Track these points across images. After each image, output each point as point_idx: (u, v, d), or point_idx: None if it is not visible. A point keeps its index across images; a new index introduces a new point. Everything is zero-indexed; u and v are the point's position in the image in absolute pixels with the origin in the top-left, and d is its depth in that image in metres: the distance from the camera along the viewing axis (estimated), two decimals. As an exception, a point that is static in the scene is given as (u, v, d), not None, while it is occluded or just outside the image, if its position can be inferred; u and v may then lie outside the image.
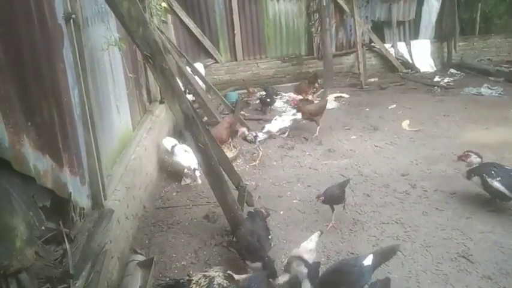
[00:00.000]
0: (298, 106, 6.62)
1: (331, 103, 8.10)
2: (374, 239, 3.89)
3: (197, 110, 6.89)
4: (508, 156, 5.42)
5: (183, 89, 6.67)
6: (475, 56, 10.61)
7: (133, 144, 4.75)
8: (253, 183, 5.08)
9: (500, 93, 8.12)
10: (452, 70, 9.91)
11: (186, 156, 5.03)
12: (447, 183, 4.76)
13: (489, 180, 4.02)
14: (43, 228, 2.38)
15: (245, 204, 4.20)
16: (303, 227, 4.13)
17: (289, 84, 9.51)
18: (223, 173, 3.89)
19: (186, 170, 5.17)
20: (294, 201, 4.65)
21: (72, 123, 2.86)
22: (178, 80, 6.48)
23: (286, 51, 9.85)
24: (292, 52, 9.88)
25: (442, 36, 10.37)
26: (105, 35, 3.82)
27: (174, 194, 4.90)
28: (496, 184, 4.00)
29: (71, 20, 2.98)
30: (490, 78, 9.12)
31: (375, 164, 5.47)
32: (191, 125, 3.52)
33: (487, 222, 4.00)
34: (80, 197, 2.93)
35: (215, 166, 3.68)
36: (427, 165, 5.33)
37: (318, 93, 8.80)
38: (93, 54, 3.71)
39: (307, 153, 5.96)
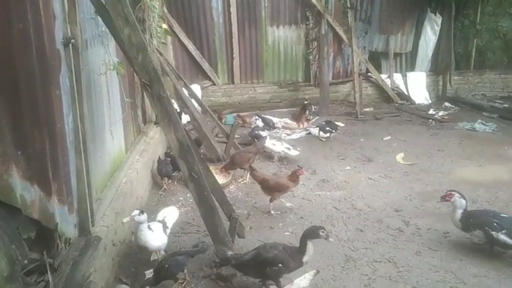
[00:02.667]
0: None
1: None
2: (366, 278, 3.81)
3: (192, 132, 6.91)
4: (502, 195, 5.40)
5: (178, 110, 6.74)
6: (469, 91, 10.74)
7: (125, 167, 4.68)
8: (245, 212, 4.99)
9: (494, 130, 8.17)
10: (446, 103, 10.01)
11: (153, 236, 3.70)
12: (440, 222, 4.71)
13: (494, 234, 3.95)
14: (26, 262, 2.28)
15: (236, 236, 4.11)
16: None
17: (285, 110, 9.55)
18: (215, 203, 3.83)
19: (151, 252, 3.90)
20: (286, 233, 4.57)
21: (63, 150, 2.79)
22: (174, 103, 6.51)
23: (284, 77, 9.90)
24: (290, 78, 9.93)
25: (437, 69, 10.52)
26: (103, 59, 3.79)
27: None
28: (503, 237, 3.92)
29: (70, 45, 2.94)
30: (484, 113, 9.21)
31: (368, 198, 5.42)
32: (186, 154, 3.47)
33: (480, 265, 3.95)
34: (67, 226, 2.84)
35: (208, 196, 3.61)
36: (420, 202, 5.29)
37: (313, 120, 8.82)
38: (91, 78, 3.67)
39: (300, 182, 5.87)
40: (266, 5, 9.29)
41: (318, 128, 7.70)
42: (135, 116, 5.76)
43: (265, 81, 9.79)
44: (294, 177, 5.00)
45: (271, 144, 6.59)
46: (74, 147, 2.99)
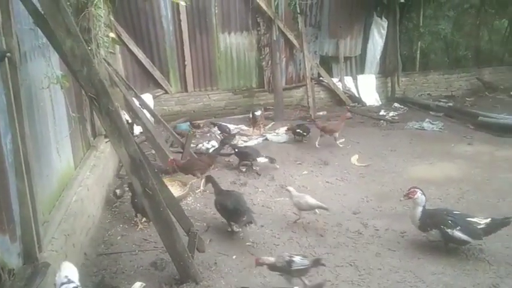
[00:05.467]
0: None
1: (282, 136, 8.13)
2: (329, 284, 3.79)
3: (145, 143, 6.70)
4: (453, 192, 5.62)
5: (130, 121, 6.51)
6: (416, 91, 11.20)
7: (74, 185, 4.42)
8: (204, 224, 4.87)
9: (441, 128, 8.54)
10: (396, 104, 10.37)
11: None
12: (397, 222, 4.80)
13: (450, 231, 4.07)
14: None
15: (196, 250, 3.98)
16: (256, 273, 3.96)
17: (241, 116, 9.50)
18: (173, 218, 3.69)
19: None
20: (247, 243, 4.49)
21: (2, 174, 2.57)
22: (125, 114, 6.29)
23: (238, 83, 9.86)
24: (244, 84, 9.91)
25: (386, 71, 10.88)
26: (45, 72, 3.56)
27: (119, 237, 4.57)
28: (458, 234, 4.04)
29: (6, 59, 2.72)
30: (431, 113, 9.61)
31: (326, 201, 5.41)
32: (138, 169, 3.31)
33: (438, 263, 4.05)
34: (9, 257, 2.61)
35: (164, 212, 3.46)
36: (377, 203, 5.39)
37: (269, 126, 8.83)
38: (32, 93, 3.43)
39: (259, 189, 5.86)
40: (216, 12, 9.22)
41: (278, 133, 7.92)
42: (83, 130, 5.49)
43: (220, 88, 9.70)
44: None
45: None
46: (14, 170, 2.76)
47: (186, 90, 9.40)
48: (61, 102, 4.32)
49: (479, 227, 4.08)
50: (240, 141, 7.87)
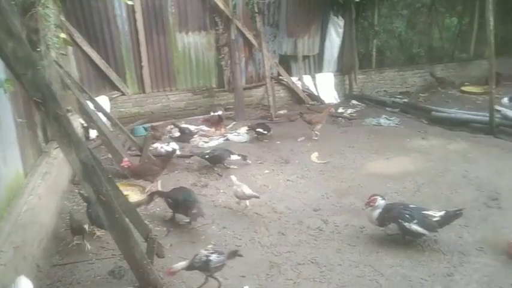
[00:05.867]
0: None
1: (243, 136, 8.11)
2: (291, 282, 3.82)
3: (102, 147, 6.50)
4: (409, 185, 5.79)
5: (85, 125, 6.29)
6: (373, 88, 11.46)
7: (25, 194, 4.21)
8: (164, 229, 4.77)
9: (397, 124, 8.79)
10: (354, 101, 10.57)
11: None
12: (356, 217, 4.90)
13: (407, 225, 4.18)
14: None
15: (155, 256, 3.89)
16: (219, 275, 3.91)
17: (201, 117, 9.37)
18: (130, 224, 3.58)
19: None
20: (209, 246, 4.43)
21: None
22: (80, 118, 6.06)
23: (197, 83, 9.73)
24: (203, 84, 9.78)
25: (343, 69, 11.07)
26: (-14, 76, 3.36)
27: (74, 247, 4.39)
28: (415, 227, 4.17)
29: None
30: (387, 109, 9.87)
31: (288, 200, 5.49)
32: (91, 176, 3.18)
33: (395, 256, 4.16)
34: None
35: (119, 219, 3.35)
36: (337, 199, 5.48)
37: (230, 125, 8.79)
38: (-29, 98, 3.23)
39: (221, 190, 5.81)
40: (173, 11, 9.04)
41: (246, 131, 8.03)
42: (34, 135, 5.24)
43: (179, 88, 9.54)
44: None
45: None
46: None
47: (144, 92, 9.18)
48: (7, 107, 4.10)
49: (434, 219, 4.23)
50: (200, 142, 7.79)
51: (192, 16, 9.28)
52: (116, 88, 8.89)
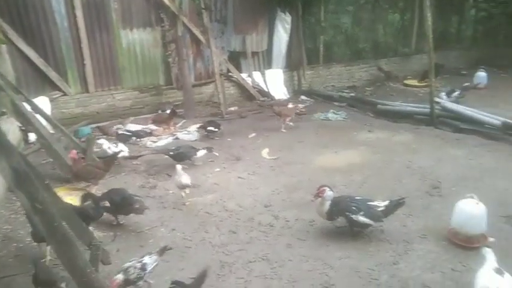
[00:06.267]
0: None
1: (193, 134, 7.98)
2: (242, 281, 3.80)
3: (42, 150, 6.14)
4: (356, 178, 5.94)
5: (23, 128, 5.91)
6: (321, 83, 11.68)
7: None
8: (111, 234, 4.59)
9: (344, 118, 9.01)
10: (303, 97, 10.72)
11: None
12: (306, 211, 4.94)
13: (354, 217, 4.27)
14: None
15: (100, 263, 3.72)
16: (168, 279, 3.81)
17: (149, 115, 9.13)
18: (70, 232, 3.40)
19: None
20: (158, 249, 4.31)
21: None
22: (15, 121, 5.69)
23: (144, 81, 9.45)
24: (150, 82, 9.51)
25: (292, 65, 11.18)
26: None
27: (11, 259, 4.12)
28: (362, 219, 4.26)
29: None
30: (335, 103, 10.09)
31: (239, 197, 5.46)
32: (24, 183, 2.96)
33: (344, 248, 4.25)
34: None
35: (59, 227, 3.15)
36: (287, 194, 5.52)
37: (179, 124, 8.63)
38: None
39: (170, 191, 5.67)
40: (116, 7, 8.70)
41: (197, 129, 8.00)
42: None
43: (124, 87, 9.22)
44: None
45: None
46: None
47: (87, 91, 8.78)
48: None
49: (379, 209, 4.35)
50: (148, 142, 7.58)
51: (136, 12, 8.99)
52: (57, 88, 8.44)
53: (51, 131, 6.44)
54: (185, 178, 5.21)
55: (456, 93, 9.53)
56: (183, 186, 5.24)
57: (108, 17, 8.68)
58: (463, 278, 3.74)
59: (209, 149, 6.42)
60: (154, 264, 3.54)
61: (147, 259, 3.50)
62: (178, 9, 9.09)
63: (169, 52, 9.44)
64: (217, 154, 6.57)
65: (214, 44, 9.53)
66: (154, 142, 7.59)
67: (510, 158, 6.44)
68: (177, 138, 7.75)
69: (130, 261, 3.50)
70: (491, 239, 4.22)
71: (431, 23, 7.93)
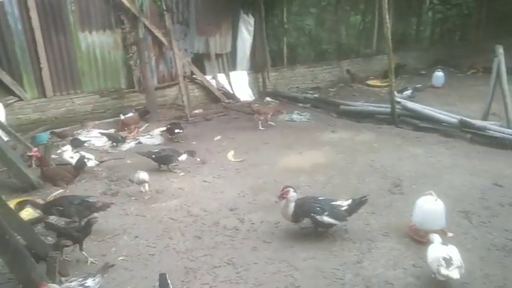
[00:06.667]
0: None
1: (157, 138, 7.85)
2: (207, 286, 3.74)
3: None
4: (320, 178, 6.00)
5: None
6: (285, 85, 11.74)
7: None
8: (70, 243, 4.41)
9: (308, 119, 9.09)
10: (268, 98, 10.74)
11: None
12: (272, 213, 4.94)
13: (319, 217, 4.29)
14: None
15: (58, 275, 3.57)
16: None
17: (111, 120, 8.92)
18: (23, 245, 3.25)
19: None
20: (120, 258, 4.20)
21: None
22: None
23: (105, 85, 9.20)
24: (112, 86, 9.27)
25: (256, 67, 11.19)
26: None
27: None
28: (327, 219, 4.28)
29: None
30: (299, 104, 10.17)
31: (204, 201, 5.40)
32: (-29, 195, 2.82)
33: (309, 248, 4.26)
34: None
35: (10, 240, 3.02)
36: (252, 196, 5.50)
37: (142, 128, 8.46)
38: None
39: (133, 198, 5.54)
40: (73, 8, 8.43)
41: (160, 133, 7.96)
42: None
43: (84, 91, 8.94)
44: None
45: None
46: None
47: (45, 96, 8.46)
48: None
49: (342, 209, 4.40)
50: (110, 147, 7.38)
51: (95, 14, 8.76)
52: (12, 93, 8.09)
53: (6, 138, 6.16)
54: (142, 174, 5.39)
55: (407, 92, 9.83)
56: (140, 182, 5.38)
57: (65, 19, 8.41)
58: (424, 273, 3.83)
59: (190, 153, 6.32)
60: (98, 285, 3.37)
61: (90, 282, 3.29)
62: (139, 11, 8.92)
63: (131, 55, 9.24)
64: (198, 159, 6.44)
65: (177, 46, 9.43)
66: (116, 147, 7.39)
67: (466, 154, 6.68)
68: (139, 143, 7.59)
69: (70, 283, 3.30)
70: (450, 234, 4.35)
71: (390, 25, 8.13)
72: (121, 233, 4.67)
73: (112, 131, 8.06)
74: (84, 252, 4.13)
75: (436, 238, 3.77)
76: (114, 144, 7.36)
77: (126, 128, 8.11)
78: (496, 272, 3.83)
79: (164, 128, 7.93)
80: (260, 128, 8.30)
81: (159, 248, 4.36)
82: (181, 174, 6.31)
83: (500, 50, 7.48)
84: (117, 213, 5.13)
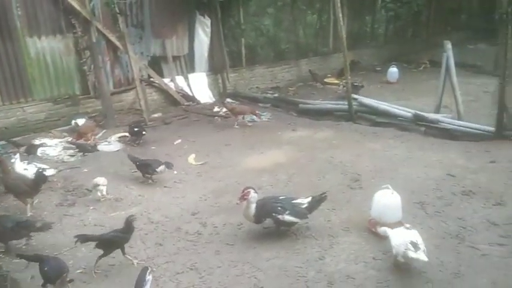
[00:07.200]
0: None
1: (115, 144, 7.65)
2: (170, 294, 3.68)
3: None
4: (282, 177, 6.04)
5: None
6: (245, 85, 11.73)
7: None
8: (24, 260, 4.22)
9: (269, 118, 9.14)
10: (228, 99, 10.69)
11: None
12: (234, 215, 4.91)
13: (280, 217, 4.30)
14: None
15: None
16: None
17: (66, 127, 8.59)
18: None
19: None
20: (78, 271, 4.06)
21: None
22: None
23: (58, 91, 8.84)
24: (65, 92, 8.92)
25: (215, 68, 11.11)
26: None
27: None
28: (288, 218, 4.32)
29: None
30: (260, 104, 10.20)
31: (165, 207, 5.31)
32: None
33: (272, 248, 4.28)
34: None
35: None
36: (214, 199, 5.47)
37: (100, 134, 8.22)
38: None
39: (91, 207, 5.36)
40: (20, 13, 8.06)
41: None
42: None
43: (36, 98, 8.55)
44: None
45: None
46: None
47: (-7, 105, 8.06)
48: None
49: (303, 206, 4.45)
50: (66, 156, 7.12)
51: (43, 19, 8.39)
52: (-44, 103, 7.65)
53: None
54: (99, 178, 5.46)
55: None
56: (94, 186, 5.43)
57: (11, 24, 8.01)
58: (384, 265, 3.94)
59: (168, 165, 5.98)
60: None
61: None
62: (90, 14, 8.62)
63: (84, 60, 8.93)
64: (175, 172, 6.20)
65: (133, 50, 9.23)
66: (72, 156, 7.14)
67: (421, 147, 6.92)
68: (97, 150, 7.35)
69: None
70: (407, 226, 4.47)
71: (345, 23, 8.30)
72: (79, 245, 4.49)
73: (68, 139, 7.80)
74: (128, 256, 4.07)
75: (387, 231, 3.97)
76: (85, 154, 7.12)
77: (83, 137, 7.83)
78: (451, 259, 3.99)
79: (121, 134, 7.73)
80: (235, 126, 8.45)
81: (119, 258, 4.23)
82: (141, 180, 6.14)
83: (448, 45, 7.81)
84: (75, 224, 4.97)
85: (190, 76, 10.65)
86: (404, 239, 3.71)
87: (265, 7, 12.34)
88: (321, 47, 13.86)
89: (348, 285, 3.72)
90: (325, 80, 12.56)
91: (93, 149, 7.29)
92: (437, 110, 8.14)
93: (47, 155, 7.15)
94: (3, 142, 7.63)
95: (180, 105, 10.21)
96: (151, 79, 10.01)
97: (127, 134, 7.83)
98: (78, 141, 7.51)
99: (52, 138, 7.96)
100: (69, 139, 7.78)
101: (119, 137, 7.86)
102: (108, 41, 9.19)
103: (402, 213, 4.51)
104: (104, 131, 8.41)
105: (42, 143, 7.21)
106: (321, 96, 10.74)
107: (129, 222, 4.09)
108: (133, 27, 9.64)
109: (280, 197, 4.54)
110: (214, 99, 10.81)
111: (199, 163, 6.72)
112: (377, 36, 15.30)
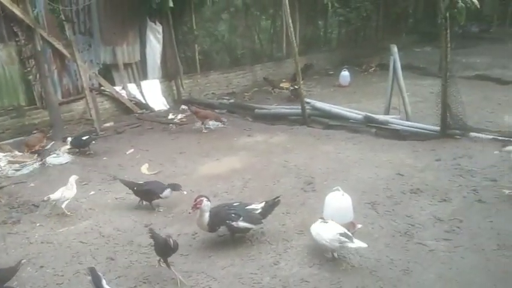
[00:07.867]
0: None
1: (64, 157, 7.35)
2: (122, 310, 3.56)
3: None
4: (237, 183, 6.02)
5: None
6: (200, 91, 11.64)
7: None
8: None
9: (225, 124, 9.07)
10: (183, 106, 10.55)
11: None
12: (189, 225, 4.83)
13: (235, 224, 4.28)
14: None
15: None
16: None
17: (11, 141, 8.17)
18: None
19: None
20: (23, 292, 3.85)
21: None
22: None
23: (1, 103, 8.42)
24: (9, 103, 8.51)
25: (168, 75, 10.96)
26: None
27: None
28: (243, 224, 4.30)
29: None
30: (215, 111, 10.10)
31: (117, 220, 5.15)
32: None
33: (227, 256, 4.25)
34: None
35: None
36: (168, 209, 5.36)
37: (48, 146, 7.88)
38: None
39: (37, 224, 5.12)
40: (-45, 20, 7.64)
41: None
42: None
43: (-23, 111, 8.12)
44: None
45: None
46: None
47: None
48: None
49: (256, 212, 4.45)
50: (10, 171, 6.77)
51: (-18, 27, 7.99)
52: None
53: None
54: (62, 190, 5.20)
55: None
56: (62, 198, 5.17)
57: None
58: (337, 266, 4.00)
59: (174, 187, 5.30)
60: None
61: None
62: (34, 22, 8.28)
63: (29, 69, 8.56)
64: (185, 192, 5.35)
65: (81, 58, 8.96)
66: (18, 170, 6.80)
67: (372, 148, 7.12)
68: (44, 164, 7.04)
69: None
70: (359, 226, 4.55)
71: (297, 28, 8.42)
72: (24, 263, 4.27)
73: (16, 153, 7.43)
74: (172, 268, 3.90)
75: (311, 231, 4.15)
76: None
77: (31, 149, 7.48)
78: (401, 257, 4.11)
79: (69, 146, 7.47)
80: (204, 131, 8.49)
81: (68, 276, 4.07)
82: (92, 193, 5.95)
83: (395, 49, 8.10)
84: (19, 242, 4.73)
85: (143, 83, 10.44)
86: (333, 233, 3.86)
87: (219, 13, 12.34)
88: (275, 52, 14.01)
89: (302, 289, 3.75)
90: (281, 84, 12.66)
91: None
92: (386, 112, 8.41)
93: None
94: None
95: (133, 114, 9.99)
96: (102, 87, 9.73)
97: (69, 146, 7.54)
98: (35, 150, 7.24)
99: (3, 152, 7.53)
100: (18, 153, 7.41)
101: (68, 149, 7.56)
102: (55, 49, 8.88)
103: (354, 214, 4.61)
104: (53, 142, 8.06)
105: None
106: (275, 101, 10.82)
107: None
108: (81, 34, 9.38)
109: (234, 204, 4.52)
110: (168, 107, 10.64)
111: (153, 173, 6.58)
112: (330, 41, 15.66)
